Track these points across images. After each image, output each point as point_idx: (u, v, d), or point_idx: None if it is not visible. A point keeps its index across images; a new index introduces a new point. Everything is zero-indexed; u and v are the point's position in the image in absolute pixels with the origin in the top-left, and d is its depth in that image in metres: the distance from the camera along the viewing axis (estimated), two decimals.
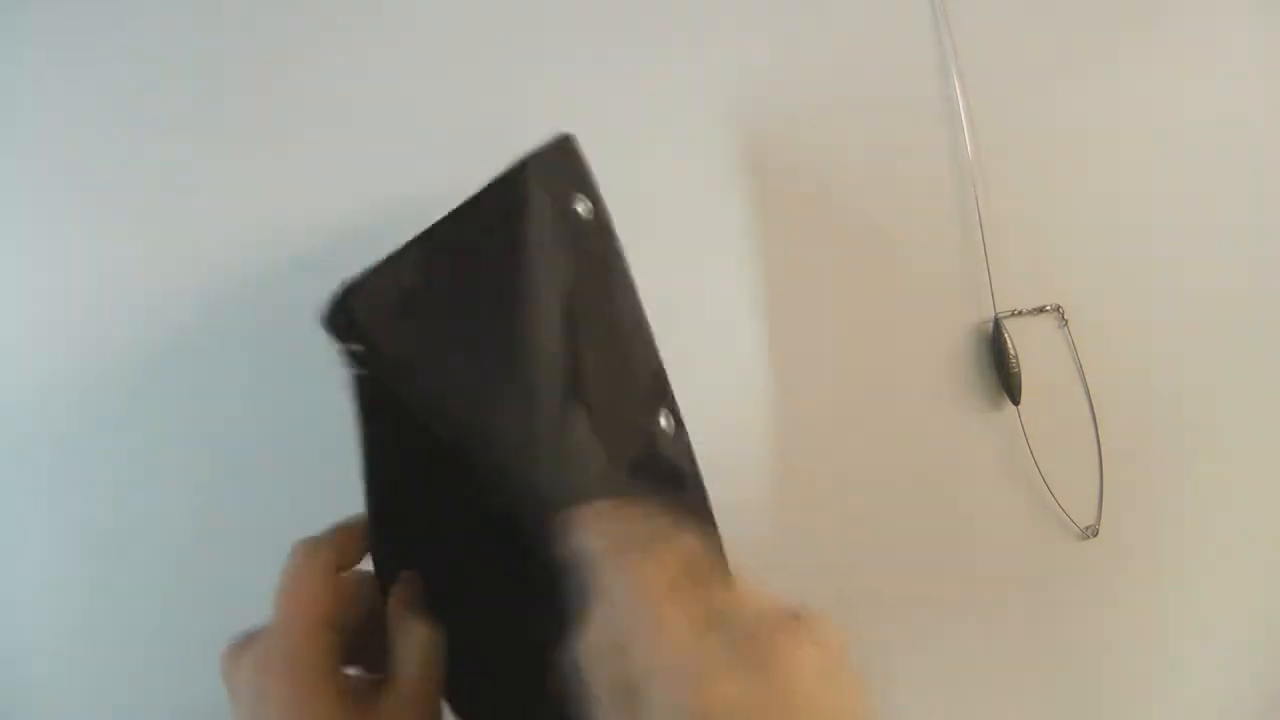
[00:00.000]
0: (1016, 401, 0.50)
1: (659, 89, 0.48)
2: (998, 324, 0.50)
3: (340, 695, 0.28)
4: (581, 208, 0.35)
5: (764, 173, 0.49)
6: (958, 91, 0.50)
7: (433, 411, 0.29)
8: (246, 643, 0.29)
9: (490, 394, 0.30)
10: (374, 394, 0.30)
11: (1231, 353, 0.52)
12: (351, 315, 0.28)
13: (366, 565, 0.32)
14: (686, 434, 0.37)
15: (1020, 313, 0.50)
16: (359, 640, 0.30)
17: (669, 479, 0.36)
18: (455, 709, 0.31)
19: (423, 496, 0.32)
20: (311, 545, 0.30)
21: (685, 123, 0.49)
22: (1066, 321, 0.51)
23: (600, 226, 0.36)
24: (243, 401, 0.45)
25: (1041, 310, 0.51)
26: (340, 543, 0.31)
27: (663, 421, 0.36)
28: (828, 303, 0.49)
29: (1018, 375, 0.49)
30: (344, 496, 0.44)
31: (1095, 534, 0.50)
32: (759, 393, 0.48)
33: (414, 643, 0.30)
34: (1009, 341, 0.49)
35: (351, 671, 0.30)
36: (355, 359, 0.29)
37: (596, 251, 0.36)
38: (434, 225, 0.31)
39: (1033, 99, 0.51)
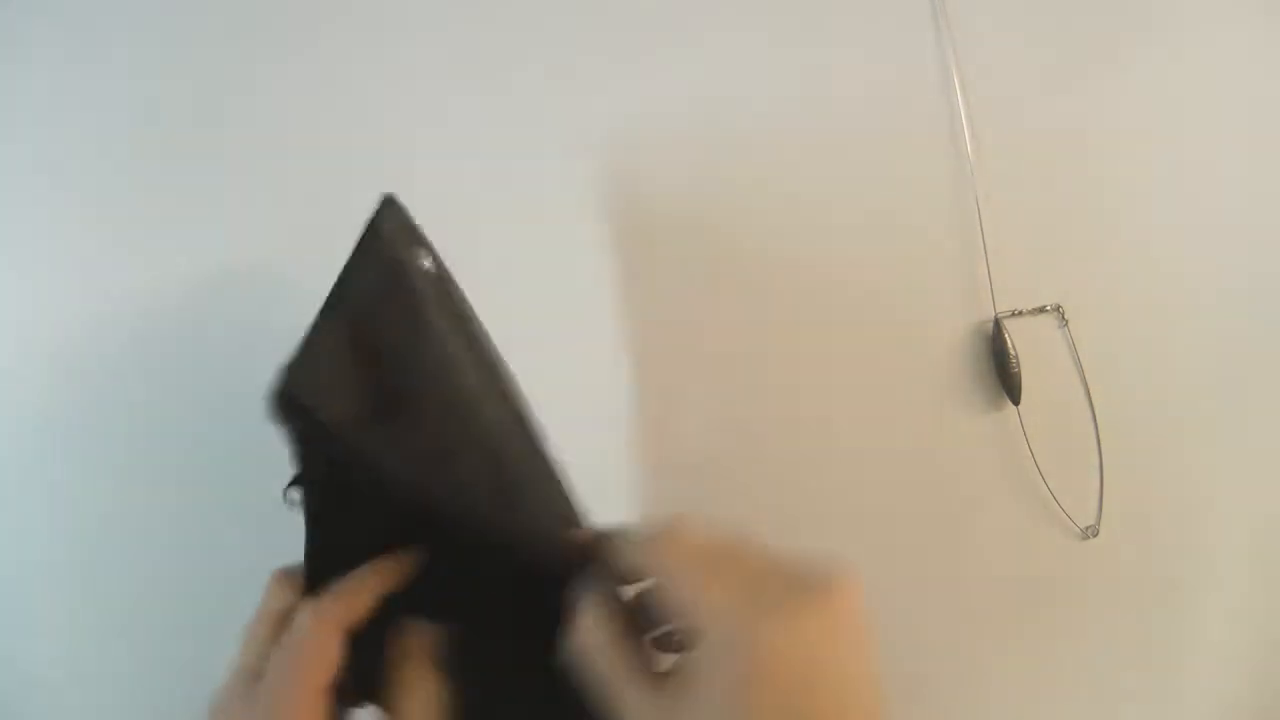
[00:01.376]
0: (1016, 401, 0.50)
1: (662, 78, 0.48)
2: (998, 324, 0.50)
3: None
4: (427, 263, 0.36)
5: (764, 173, 0.49)
6: (958, 92, 0.50)
7: (400, 483, 0.29)
8: (230, 699, 0.28)
9: (453, 452, 0.30)
10: (332, 474, 0.30)
11: (1231, 353, 0.52)
12: (295, 398, 0.28)
13: None
14: None
15: (1020, 313, 0.50)
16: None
17: None
18: None
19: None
20: (322, 608, 0.28)
21: (685, 119, 0.49)
22: (1066, 321, 0.51)
23: (445, 278, 0.37)
24: (249, 406, 0.45)
25: (1041, 310, 0.51)
26: (350, 605, 0.29)
27: None
28: (828, 303, 0.49)
29: (1018, 375, 0.49)
30: None
31: (1095, 534, 0.50)
32: (759, 392, 0.48)
33: (423, 698, 0.29)
34: (1009, 341, 0.49)
35: None
36: (306, 443, 0.29)
37: (456, 299, 0.36)
38: (329, 299, 0.31)
39: (1033, 99, 0.51)
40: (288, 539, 0.44)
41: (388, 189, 0.46)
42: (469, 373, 0.33)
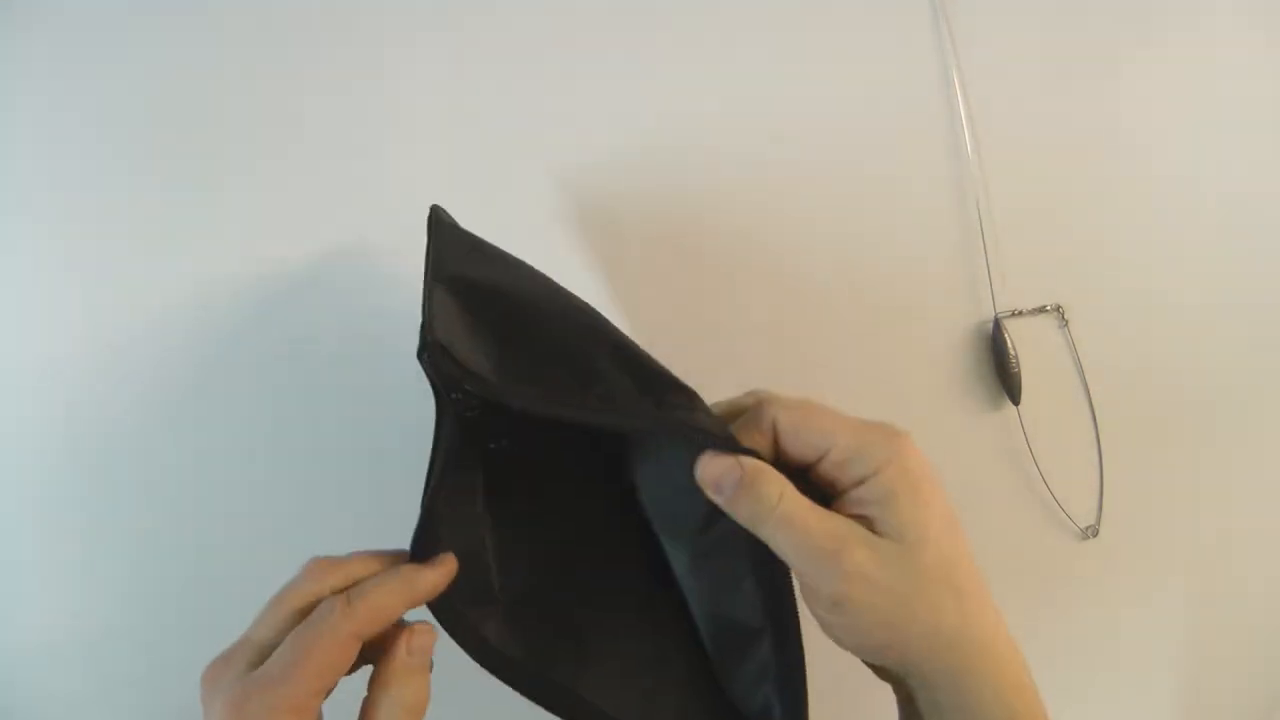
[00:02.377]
0: (1016, 401, 0.50)
1: (662, 79, 0.48)
2: (998, 324, 0.50)
3: None
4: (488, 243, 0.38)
5: (763, 173, 0.49)
6: (958, 92, 0.50)
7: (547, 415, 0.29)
8: (227, 669, 0.27)
9: (591, 368, 0.31)
10: (478, 421, 0.31)
11: (1231, 352, 0.52)
12: (446, 351, 0.28)
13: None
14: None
15: (1020, 313, 0.50)
16: None
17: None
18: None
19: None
20: (354, 612, 0.28)
21: (685, 119, 0.49)
22: (1066, 321, 0.51)
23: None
24: (251, 406, 0.45)
25: (1041, 310, 0.51)
26: (380, 616, 0.28)
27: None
28: (828, 303, 0.49)
29: (1018, 375, 0.49)
30: (351, 498, 0.44)
31: (1095, 534, 0.51)
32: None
33: (400, 707, 0.28)
34: (1009, 341, 0.49)
35: None
36: (466, 394, 0.30)
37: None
38: (431, 267, 0.32)
39: (1033, 99, 0.51)
40: (290, 540, 0.44)
41: (386, 191, 0.46)
42: (568, 293, 0.35)
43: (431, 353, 0.28)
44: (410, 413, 0.40)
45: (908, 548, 0.28)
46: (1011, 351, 0.49)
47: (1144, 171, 0.52)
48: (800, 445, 0.30)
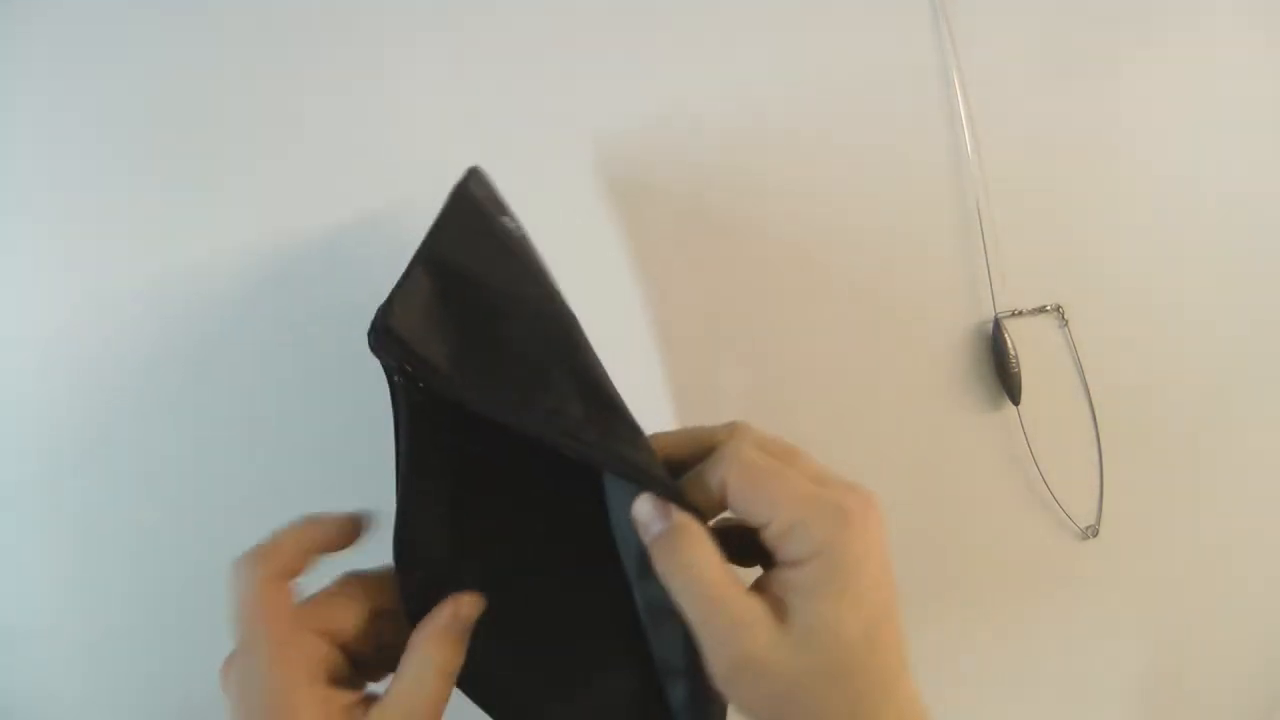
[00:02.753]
0: (1016, 401, 0.50)
1: (662, 79, 0.49)
2: (998, 324, 0.50)
3: (323, 707, 0.27)
4: (511, 224, 0.38)
5: (763, 172, 0.49)
6: (958, 91, 0.50)
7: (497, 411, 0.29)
8: (230, 661, 0.28)
9: (545, 380, 0.30)
10: (430, 412, 0.30)
11: (1231, 353, 0.52)
12: (394, 335, 0.28)
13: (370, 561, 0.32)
14: None
15: (1020, 313, 0.50)
16: (367, 643, 0.30)
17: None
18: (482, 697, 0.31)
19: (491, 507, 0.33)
20: (247, 561, 0.29)
21: (685, 120, 0.49)
22: (1066, 321, 0.51)
23: (527, 239, 0.38)
24: (253, 405, 0.45)
25: (1041, 310, 0.51)
26: (277, 551, 0.30)
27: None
28: (827, 302, 0.49)
29: (1018, 375, 0.49)
30: (353, 493, 0.44)
31: (1095, 534, 0.51)
32: (758, 392, 0.48)
33: (431, 667, 0.29)
34: (1009, 341, 0.49)
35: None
36: (409, 378, 0.29)
37: (537, 259, 0.37)
38: (419, 251, 0.32)
39: (1033, 99, 0.51)
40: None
41: (386, 190, 0.46)
42: (557, 299, 0.34)
43: (377, 333, 0.28)
44: None
45: (811, 649, 0.27)
46: (1011, 351, 0.49)
47: (1144, 171, 0.52)
48: (744, 511, 0.29)
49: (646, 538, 0.29)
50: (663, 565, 0.28)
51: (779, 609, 0.27)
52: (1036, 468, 0.50)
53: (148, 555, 0.45)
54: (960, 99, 0.50)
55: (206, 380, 0.45)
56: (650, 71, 0.48)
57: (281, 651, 0.27)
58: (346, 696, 0.28)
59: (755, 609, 0.27)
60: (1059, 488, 0.50)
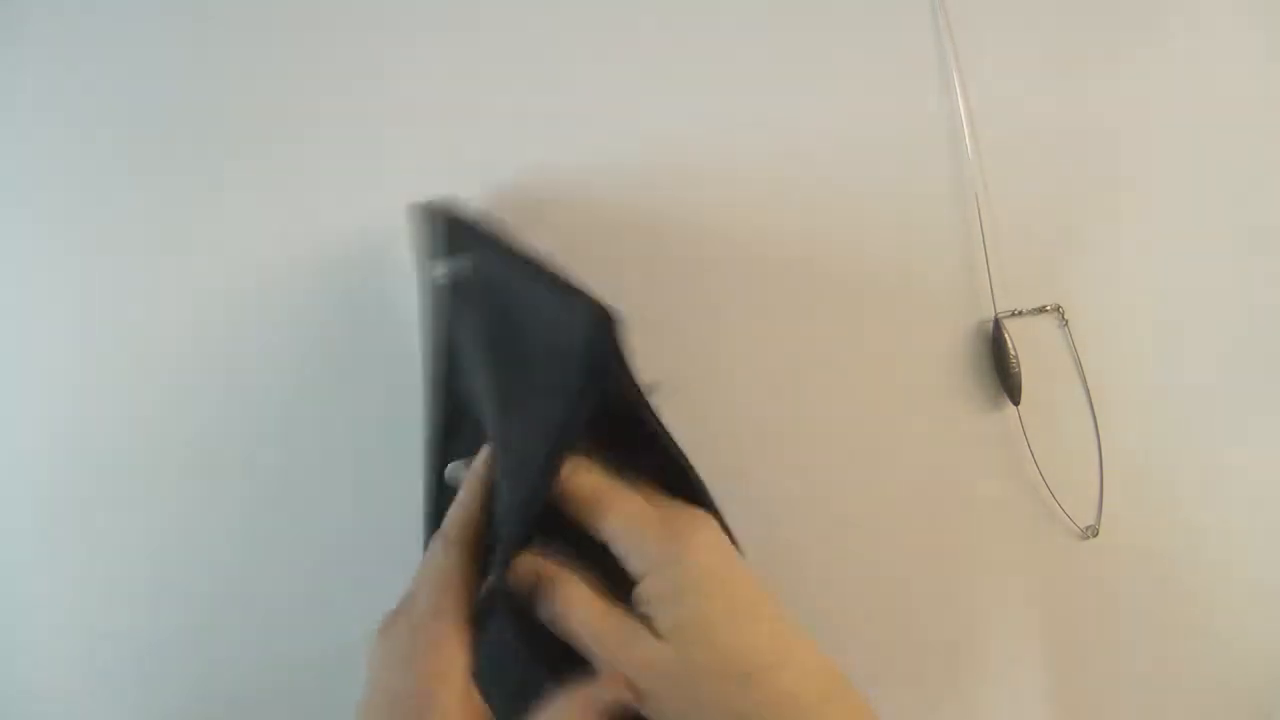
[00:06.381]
0: (1016, 401, 0.50)
1: (662, 79, 0.49)
2: (998, 324, 0.50)
3: (470, 701, 0.29)
4: (440, 272, 0.39)
5: (763, 173, 0.49)
6: (958, 91, 0.50)
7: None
8: (401, 616, 0.31)
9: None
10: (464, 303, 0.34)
11: (1231, 353, 0.52)
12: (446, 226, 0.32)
13: None
14: None
15: (1020, 313, 0.50)
16: None
17: None
18: None
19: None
20: (458, 540, 0.32)
21: (685, 119, 0.49)
22: (1066, 321, 0.51)
23: (460, 284, 0.39)
24: (273, 409, 0.45)
25: (1041, 310, 0.51)
26: (476, 532, 0.32)
27: None
28: (827, 302, 0.49)
29: (1018, 375, 0.49)
30: (357, 499, 0.44)
31: (1095, 534, 0.50)
32: (757, 392, 0.48)
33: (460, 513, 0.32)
34: (1009, 341, 0.49)
35: None
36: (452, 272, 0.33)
37: (475, 303, 0.39)
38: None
39: (1033, 99, 0.51)
40: (295, 540, 0.44)
41: (386, 190, 0.46)
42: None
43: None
44: (417, 409, 0.41)
45: (682, 647, 0.29)
46: (1011, 351, 0.49)
47: (1144, 171, 0.52)
48: (598, 534, 0.32)
49: (532, 596, 0.31)
50: (547, 613, 0.31)
51: (650, 622, 0.30)
52: (1036, 468, 0.50)
53: (148, 555, 0.45)
54: (960, 99, 0.50)
55: (206, 380, 0.45)
56: (649, 70, 0.48)
57: (459, 635, 0.29)
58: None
59: (629, 628, 0.30)
60: (1059, 488, 0.50)
